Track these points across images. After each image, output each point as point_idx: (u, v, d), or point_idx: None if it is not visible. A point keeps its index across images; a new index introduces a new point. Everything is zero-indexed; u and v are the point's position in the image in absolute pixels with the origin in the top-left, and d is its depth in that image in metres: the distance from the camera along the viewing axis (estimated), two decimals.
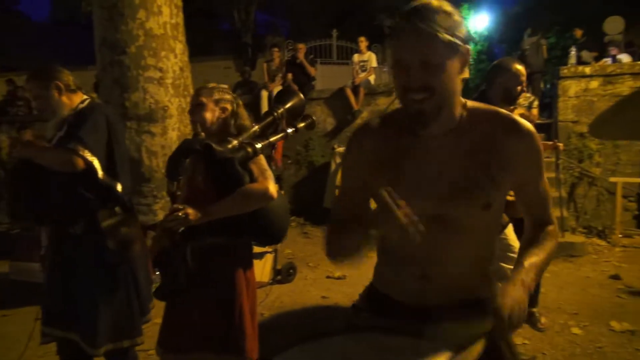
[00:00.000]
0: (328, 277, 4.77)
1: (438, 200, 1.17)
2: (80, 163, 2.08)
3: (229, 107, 2.07)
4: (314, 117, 2.22)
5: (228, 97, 2.10)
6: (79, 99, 2.28)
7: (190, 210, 1.87)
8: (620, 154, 6.59)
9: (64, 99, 2.23)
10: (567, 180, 6.58)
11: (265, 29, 17.36)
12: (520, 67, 2.94)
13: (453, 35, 1.07)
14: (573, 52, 8.48)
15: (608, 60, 8.21)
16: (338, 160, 6.88)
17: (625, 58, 8.41)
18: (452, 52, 1.08)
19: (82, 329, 2.16)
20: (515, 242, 2.85)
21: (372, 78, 8.11)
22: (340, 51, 11.04)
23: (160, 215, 4.55)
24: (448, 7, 1.09)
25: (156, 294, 2.14)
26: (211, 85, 2.13)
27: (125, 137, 2.57)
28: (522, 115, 3.48)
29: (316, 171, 7.91)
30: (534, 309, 3.51)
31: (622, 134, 1.68)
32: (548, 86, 10.49)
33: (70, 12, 13.29)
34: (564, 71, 6.98)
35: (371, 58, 8.15)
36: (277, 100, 2.20)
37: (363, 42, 8.31)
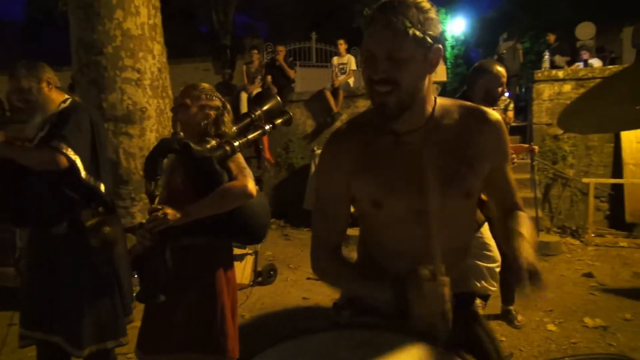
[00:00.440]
0: (309, 278, 4.77)
1: (420, 195, 1.18)
2: (64, 161, 2.06)
3: (212, 114, 2.04)
4: (290, 113, 2.23)
5: (215, 103, 2.06)
6: (62, 98, 2.26)
7: (169, 211, 1.85)
8: (593, 156, 6.79)
9: (52, 95, 2.22)
10: (541, 181, 6.74)
11: (244, 30, 17.30)
12: (501, 69, 2.99)
13: (424, 32, 1.07)
14: (547, 56, 8.70)
15: (580, 65, 8.44)
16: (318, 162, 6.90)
17: (596, 62, 8.66)
18: (420, 49, 1.08)
19: (65, 330, 2.13)
20: (491, 241, 2.91)
21: (351, 81, 8.17)
22: (320, 54, 11.09)
23: (139, 218, 4.49)
24: (425, 4, 1.09)
25: (138, 297, 2.12)
26: (202, 87, 2.09)
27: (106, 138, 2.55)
28: None
29: (296, 173, 7.92)
30: (511, 307, 3.58)
31: (590, 127, 1.73)
32: (523, 90, 10.73)
33: (45, 12, 13.01)
34: (538, 75, 7.16)
35: (350, 61, 8.21)
36: (255, 103, 2.22)
37: (342, 45, 8.36)
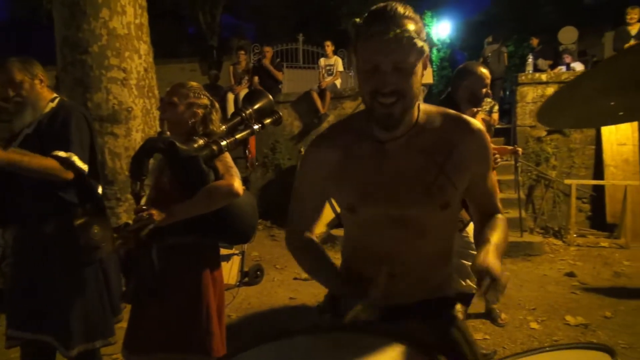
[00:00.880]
0: (295, 278, 4.78)
1: (398, 202, 1.20)
2: (70, 175, 2.06)
3: (200, 112, 2.03)
4: (280, 113, 2.23)
5: (203, 101, 2.05)
6: (51, 96, 2.22)
7: (154, 211, 1.84)
8: (575, 158, 6.91)
9: (44, 92, 2.19)
10: (525, 182, 6.84)
11: (231, 31, 17.23)
12: (485, 71, 3.03)
13: (423, 41, 1.09)
14: (530, 60, 8.82)
15: (562, 68, 8.59)
16: None
17: (578, 66, 8.81)
18: (421, 58, 1.11)
19: (55, 329, 2.11)
20: None
21: (338, 82, 8.19)
22: (307, 55, 11.10)
23: (124, 218, 4.46)
24: (412, 13, 1.11)
25: (123, 297, 2.11)
26: (190, 85, 2.08)
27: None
28: (483, 120, 3.62)
29: (283, 174, 7.92)
30: (494, 305, 3.63)
31: (568, 122, 1.76)
32: (507, 93, 10.87)
33: (30, 11, 12.80)
34: (522, 78, 7.27)
35: (337, 62, 8.24)
36: (245, 101, 2.20)
37: (329, 47, 8.39)
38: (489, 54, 9.92)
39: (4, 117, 2.20)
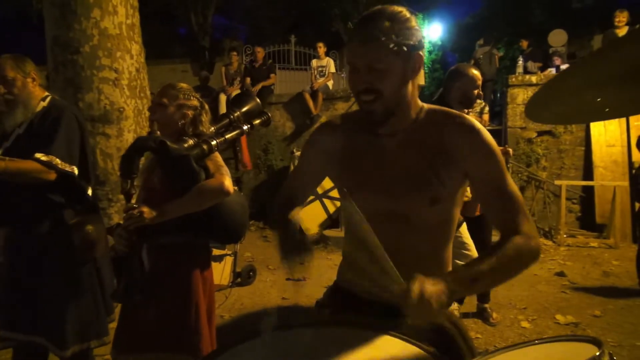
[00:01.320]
0: (288, 279, 4.78)
1: (389, 197, 1.22)
2: (53, 176, 2.03)
3: (190, 113, 2.03)
4: (269, 114, 2.24)
5: (193, 103, 2.06)
6: (42, 95, 2.20)
7: (145, 209, 1.84)
8: (565, 159, 6.99)
9: (36, 91, 2.17)
10: (516, 183, 6.89)
11: (222, 32, 17.19)
12: (476, 72, 3.06)
13: (400, 42, 1.10)
14: (520, 62, 8.91)
15: (552, 70, 8.67)
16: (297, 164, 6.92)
17: None
18: (399, 58, 1.12)
19: (48, 330, 2.10)
20: (469, 240, 2.97)
21: (330, 83, 8.22)
22: (299, 57, 11.11)
23: (116, 219, 4.44)
24: (402, 14, 1.13)
25: (113, 296, 2.10)
26: (179, 86, 2.08)
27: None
28: None
29: (275, 175, 7.92)
30: (486, 305, 3.66)
31: (556, 118, 1.78)
32: (498, 95, 10.96)
33: (19, 10, 12.69)
34: (512, 80, 7.34)
35: (329, 63, 8.26)
36: (233, 104, 2.21)
37: (321, 48, 8.41)
38: (480, 56, 10.01)
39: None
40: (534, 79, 7.27)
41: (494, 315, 3.65)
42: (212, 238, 2.17)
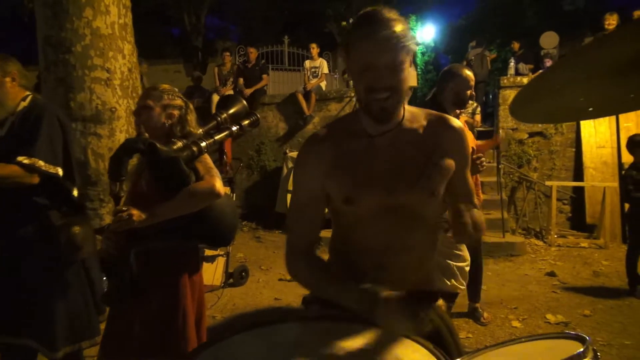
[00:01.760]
0: (280, 279, 4.79)
1: (392, 192, 1.26)
2: (36, 179, 2.01)
3: (176, 113, 2.02)
4: (257, 115, 2.24)
5: (178, 102, 2.04)
6: (22, 95, 2.16)
7: (134, 211, 1.81)
8: (555, 160, 7.04)
9: (14, 90, 2.12)
10: (507, 184, 6.95)
11: (215, 33, 17.19)
12: (469, 73, 3.08)
13: (411, 41, 1.20)
14: (512, 63, 8.97)
15: None
16: (290, 165, 6.93)
17: None
18: (408, 56, 1.21)
19: (38, 332, 2.08)
20: None
21: (323, 84, 8.23)
22: (292, 57, 11.12)
23: (107, 220, 4.42)
24: (396, 15, 1.21)
25: (102, 299, 2.09)
26: (162, 87, 2.06)
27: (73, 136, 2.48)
28: (466, 122, 3.69)
29: (268, 176, 7.92)
30: (477, 305, 3.69)
31: (539, 117, 1.80)
32: (491, 97, 11.02)
33: (10, 9, 12.58)
34: (504, 81, 7.39)
35: (322, 64, 8.27)
36: (220, 106, 2.20)
37: (314, 49, 8.42)
38: (472, 58, 10.06)
39: None
40: (525, 80, 7.32)
41: (485, 314, 3.68)
42: (202, 241, 2.15)
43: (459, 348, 1.34)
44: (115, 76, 4.53)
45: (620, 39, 0.83)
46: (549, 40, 9.63)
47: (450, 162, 1.31)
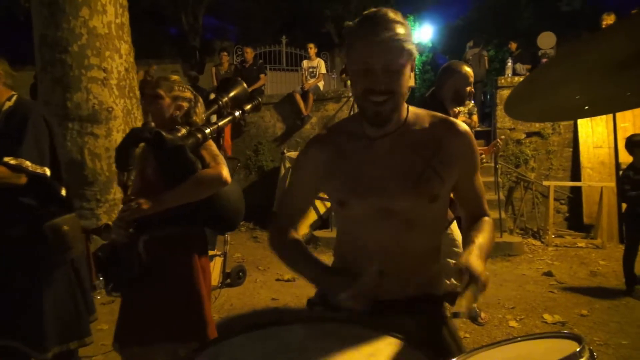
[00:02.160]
0: (278, 279, 4.78)
1: (389, 196, 1.24)
2: (23, 180, 2.00)
3: (185, 105, 2.04)
4: (259, 99, 2.24)
5: (187, 95, 2.06)
6: (8, 94, 2.13)
7: (142, 200, 1.83)
8: (553, 160, 7.06)
9: (1, 90, 2.10)
10: (505, 184, 6.96)
11: (213, 33, 17.16)
12: (469, 70, 3.07)
13: (412, 44, 1.17)
14: (509, 64, 8.99)
15: None
16: (287, 165, 6.92)
17: None
18: (409, 60, 1.18)
19: (25, 334, 2.06)
20: (459, 237, 2.99)
21: (321, 84, 8.23)
22: (290, 58, 11.12)
23: (104, 219, 4.41)
24: (400, 18, 1.18)
25: (113, 288, 2.06)
26: (173, 78, 2.08)
27: (60, 136, 2.46)
28: (463, 122, 3.68)
29: (265, 176, 7.91)
30: (474, 304, 3.68)
31: (534, 116, 1.81)
32: (488, 97, 11.04)
33: (6, 8, 12.54)
34: (502, 81, 7.41)
35: (320, 64, 8.27)
36: (221, 89, 2.20)
37: (312, 49, 8.42)
38: (470, 58, 10.07)
39: None
40: None
41: (483, 314, 3.67)
42: (209, 226, 2.15)
43: (460, 349, 1.32)
44: (112, 76, 4.52)
45: (614, 36, 0.82)
46: (547, 41, 9.65)
47: (453, 167, 1.27)
